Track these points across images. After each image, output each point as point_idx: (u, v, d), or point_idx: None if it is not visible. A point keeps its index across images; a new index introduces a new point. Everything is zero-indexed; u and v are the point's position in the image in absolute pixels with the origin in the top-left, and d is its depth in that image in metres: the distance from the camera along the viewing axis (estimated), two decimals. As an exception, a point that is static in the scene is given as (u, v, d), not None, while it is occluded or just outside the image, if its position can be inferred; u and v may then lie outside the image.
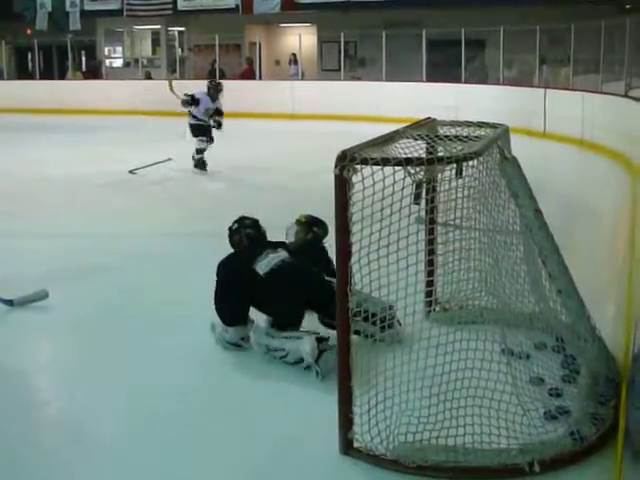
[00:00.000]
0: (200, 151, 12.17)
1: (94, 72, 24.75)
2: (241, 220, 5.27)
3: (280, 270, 4.87)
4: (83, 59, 26.92)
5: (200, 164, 12.13)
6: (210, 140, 12.17)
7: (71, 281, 6.42)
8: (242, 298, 4.94)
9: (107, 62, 25.62)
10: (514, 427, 3.67)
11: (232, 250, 5.22)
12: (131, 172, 11.83)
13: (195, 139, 12.20)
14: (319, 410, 4.08)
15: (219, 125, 12.27)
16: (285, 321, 4.79)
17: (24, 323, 5.62)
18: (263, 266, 4.88)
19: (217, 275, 5.02)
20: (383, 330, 3.92)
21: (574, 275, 4.45)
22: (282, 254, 4.96)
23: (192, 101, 12.04)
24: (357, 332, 3.83)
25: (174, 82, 13.51)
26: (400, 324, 4.41)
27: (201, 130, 12.17)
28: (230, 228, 5.28)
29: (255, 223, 5.26)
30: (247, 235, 5.17)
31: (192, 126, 12.25)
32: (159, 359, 4.91)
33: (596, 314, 4.53)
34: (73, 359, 5.08)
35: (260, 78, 22.14)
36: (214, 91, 12.28)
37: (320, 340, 4.57)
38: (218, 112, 12.33)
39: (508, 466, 3.51)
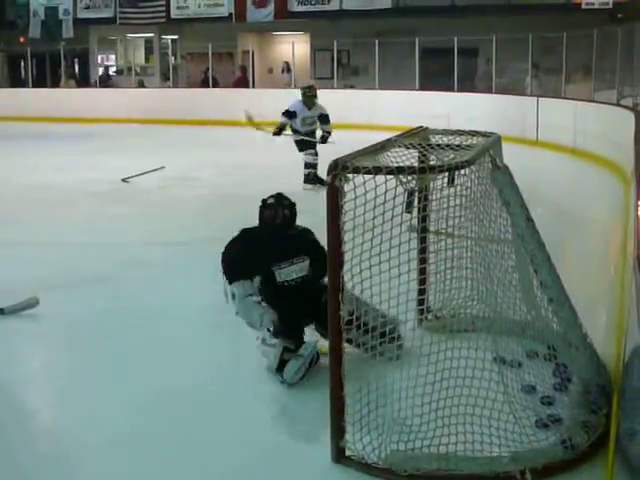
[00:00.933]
0: (309, 165, 10.95)
1: (105, 83, 24.55)
2: (279, 197, 4.91)
3: (295, 288, 4.83)
4: (76, 67, 26.90)
5: (313, 179, 10.81)
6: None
7: (63, 289, 6.40)
8: (250, 260, 4.79)
9: (100, 70, 25.59)
10: (506, 435, 3.68)
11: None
12: (124, 180, 11.82)
13: (302, 154, 11.07)
14: (311, 419, 4.09)
15: (324, 140, 10.93)
16: (280, 330, 4.77)
17: (16, 332, 5.61)
18: (283, 274, 4.82)
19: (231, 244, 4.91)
20: (382, 345, 3.92)
21: (566, 283, 4.47)
22: (305, 267, 4.86)
23: (288, 115, 11.13)
24: (357, 345, 3.86)
25: (252, 113, 11.85)
26: (400, 339, 4.25)
27: (305, 144, 11.03)
28: (265, 201, 4.91)
29: (292, 206, 4.91)
30: (283, 215, 4.85)
31: (296, 142, 11.12)
32: (152, 367, 4.90)
33: (588, 322, 4.55)
34: (65, 367, 5.07)
35: (253, 86, 22.17)
36: (306, 97, 11.20)
37: (287, 350, 4.61)
38: (323, 118, 11.18)
39: (500, 474, 3.51)
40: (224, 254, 4.89)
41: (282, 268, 4.82)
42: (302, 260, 4.87)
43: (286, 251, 4.85)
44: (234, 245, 4.90)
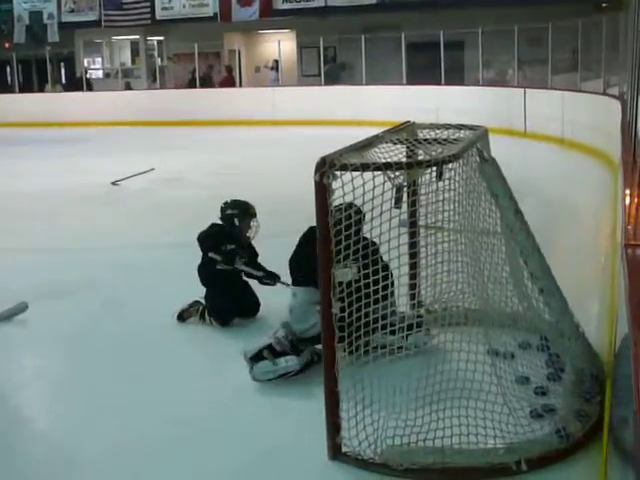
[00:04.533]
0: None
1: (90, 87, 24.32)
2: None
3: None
4: (62, 71, 26.80)
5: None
6: None
7: (54, 295, 6.38)
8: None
9: (89, 74, 25.50)
10: (500, 427, 3.69)
11: None
12: (114, 183, 11.81)
13: None
14: (307, 416, 4.09)
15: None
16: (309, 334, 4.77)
17: (6, 338, 5.61)
18: (340, 275, 4.78)
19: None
20: (407, 338, 3.93)
21: (557, 274, 4.49)
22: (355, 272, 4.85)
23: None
24: (376, 347, 3.85)
25: None
26: (429, 330, 4.28)
27: None
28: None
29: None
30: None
31: None
32: (145, 369, 4.91)
33: (579, 312, 4.57)
34: (58, 373, 5.06)
35: (240, 85, 22.14)
36: None
37: (270, 349, 4.61)
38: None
39: (495, 465, 3.53)
40: (303, 254, 4.91)
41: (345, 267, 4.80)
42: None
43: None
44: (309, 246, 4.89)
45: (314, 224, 4.74)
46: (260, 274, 5.59)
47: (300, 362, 4.59)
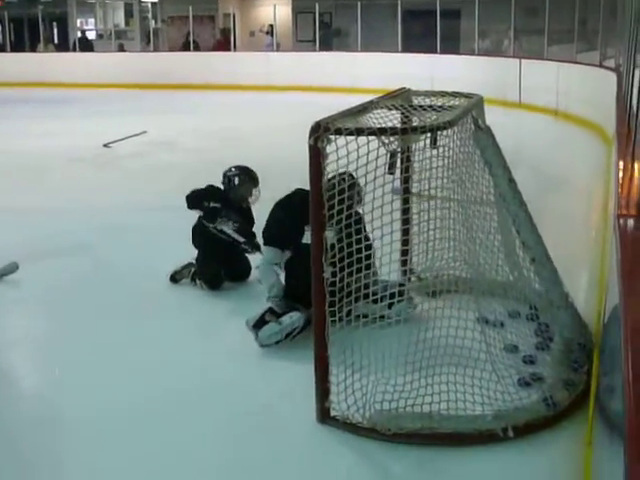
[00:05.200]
0: None
1: (85, 47, 24.01)
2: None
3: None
4: (55, 31, 26.53)
5: None
6: None
7: (44, 255, 6.36)
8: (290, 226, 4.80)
9: (78, 34, 25.22)
10: (488, 394, 3.72)
11: None
12: (106, 146, 11.74)
13: None
14: (296, 380, 4.11)
15: None
16: (297, 294, 4.76)
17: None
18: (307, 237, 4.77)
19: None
20: (390, 307, 3.95)
21: (548, 244, 4.50)
22: (334, 233, 4.79)
23: None
24: (359, 316, 3.87)
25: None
26: (412, 299, 4.27)
27: None
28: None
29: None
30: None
31: None
32: (133, 332, 4.92)
33: (569, 282, 4.59)
34: (48, 333, 5.04)
35: (235, 49, 21.99)
36: None
37: (272, 312, 4.63)
38: None
39: (483, 432, 3.56)
40: (274, 216, 4.92)
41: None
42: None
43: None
44: (282, 210, 4.91)
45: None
46: (241, 239, 5.56)
47: (303, 316, 4.53)
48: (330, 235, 4.57)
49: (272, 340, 4.55)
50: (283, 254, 4.82)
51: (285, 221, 4.82)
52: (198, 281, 5.56)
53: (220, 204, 5.55)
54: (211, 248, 5.57)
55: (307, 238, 4.67)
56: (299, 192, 4.70)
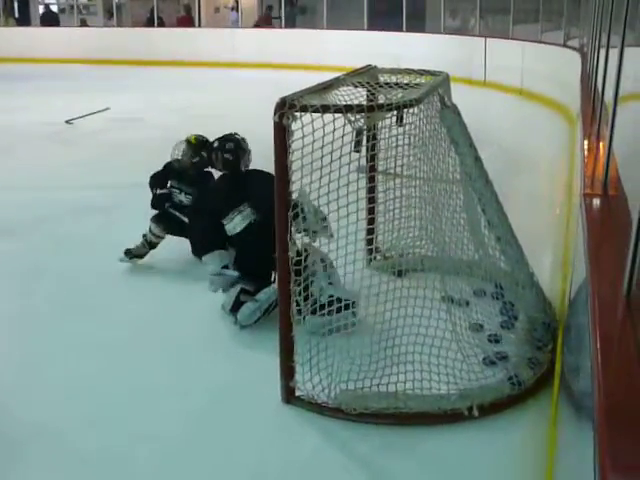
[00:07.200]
0: None
1: (49, 22, 23.52)
2: (224, 140, 4.94)
3: (246, 232, 4.74)
4: (15, 5, 25.99)
5: None
6: None
7: (5, 233, 6.27)
8: (212, 226, 4.81)
9: (40, 8, 24.75)
10: (454, 373, 3.72)
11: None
12: (67, 122, 11.57)
13: None
14: (261, 360, 4.08)
15: None
16: (251, 272, 4.73)
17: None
18: (231, 228, 4.74)
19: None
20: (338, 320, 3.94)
21: (513, 223, 4.50)
22: (248, 213, 4.75)
23: None
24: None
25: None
26: (355, 315, 4.17)
27: None
28: (211, 144, 5.08)
29: (238, 145, 4.91)
30: (223, 160, 4.88)
31: None
32: (96, 310, 4.86)
33: (534, 261, 4.60)
34: (8, 311, 4.95)
35: (199, 25, 21.73)
36: None
37: (245, 292, 4.58)
38: None
39: (448, 411, 3.56)
40: (194, 225, 5.06)
41: (228, 223, 4.76)
42: (243, 211, 4.76)
43: (230, 207, 4.78)
44: (199, 215, 4.97)
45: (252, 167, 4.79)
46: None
47: (269, 290, 4.53)
48: (247, 212, 4.71)
49: (252, 319, 4.52)
50: (228, 253, 4.81)
51: (206, 226, 4.86)
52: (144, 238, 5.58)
53: (176, 181, 5.63)
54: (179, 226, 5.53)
55: (236, 223, 4.68)
56: (218, 182, 4.97)
